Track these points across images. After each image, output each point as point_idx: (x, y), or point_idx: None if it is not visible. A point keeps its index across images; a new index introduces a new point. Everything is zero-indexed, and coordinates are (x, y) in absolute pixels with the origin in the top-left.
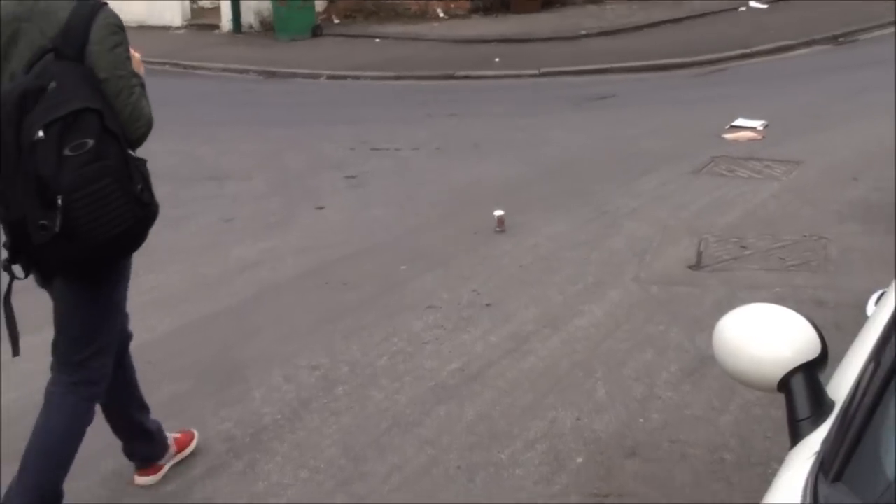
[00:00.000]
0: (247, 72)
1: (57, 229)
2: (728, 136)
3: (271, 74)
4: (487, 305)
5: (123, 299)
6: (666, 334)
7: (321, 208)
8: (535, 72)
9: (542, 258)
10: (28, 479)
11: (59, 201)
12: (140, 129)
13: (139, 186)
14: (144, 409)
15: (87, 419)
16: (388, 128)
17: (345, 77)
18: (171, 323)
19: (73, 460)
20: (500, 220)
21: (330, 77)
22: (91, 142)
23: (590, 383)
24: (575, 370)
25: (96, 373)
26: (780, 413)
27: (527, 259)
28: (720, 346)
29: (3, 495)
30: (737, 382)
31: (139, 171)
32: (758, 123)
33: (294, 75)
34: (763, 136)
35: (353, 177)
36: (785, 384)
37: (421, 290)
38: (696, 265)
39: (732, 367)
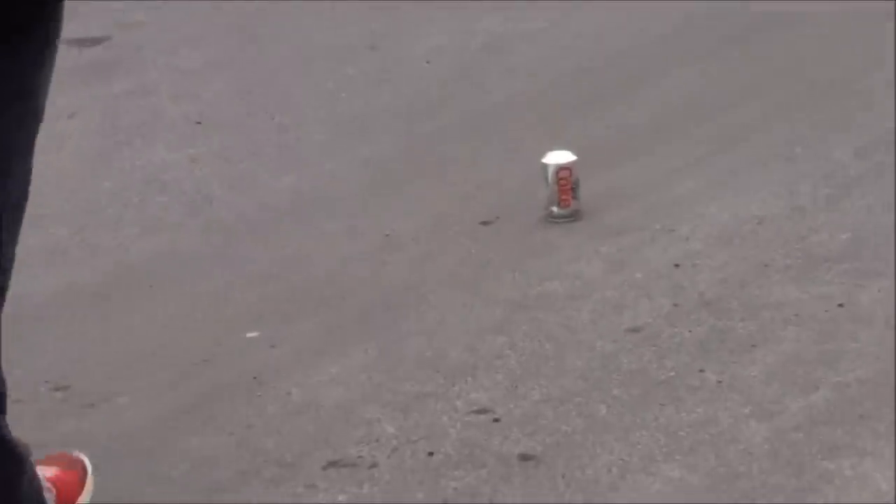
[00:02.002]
0: None
1: None
2: None
3: None
4: (525, 460)
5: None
6: None
7: None
8: None
9: (722, 313)
10: None
11: None
12: None
13: None
14: None
15: None
16: None
17: None
18: None
19: None
20: (564, 179)
21: None
22: None
23: None
24: None
25: None
26: None
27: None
28: None
29: None
30: None
31: None
32: None
33: None
34: None
35: (94, 41)
36: None
37: (312, 411)
38: None
39: None
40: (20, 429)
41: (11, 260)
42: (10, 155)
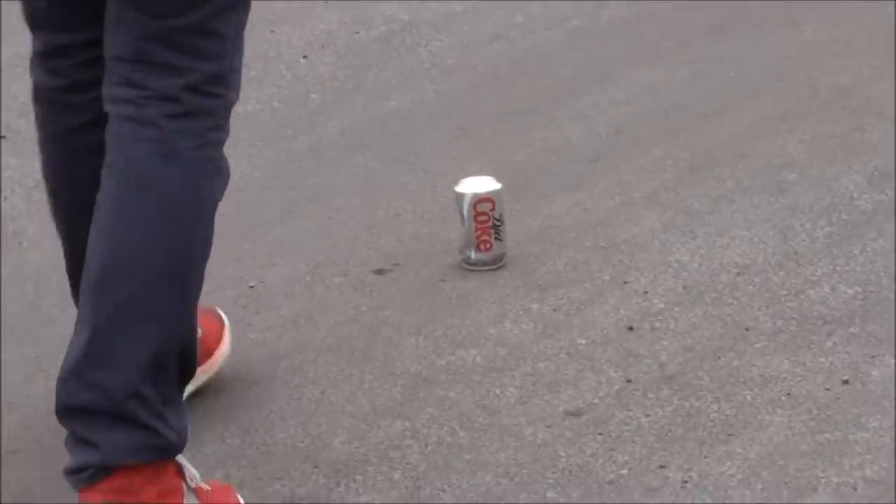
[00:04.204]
0: None
1: None
2: None
3: None
4: None
5: None
6: None
7: None
8: None
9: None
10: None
11: None
12: None
13: None
14: None
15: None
16: None
17: None
18: None
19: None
20: (484, 214)
21: None
22: None
23: None
24: None
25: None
26: None
27: None
28: None
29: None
30: None
31: None
32: None
33: None
34: None
35: None
36: None
37: None
38: None
39: None
40: None
41: None
42: None
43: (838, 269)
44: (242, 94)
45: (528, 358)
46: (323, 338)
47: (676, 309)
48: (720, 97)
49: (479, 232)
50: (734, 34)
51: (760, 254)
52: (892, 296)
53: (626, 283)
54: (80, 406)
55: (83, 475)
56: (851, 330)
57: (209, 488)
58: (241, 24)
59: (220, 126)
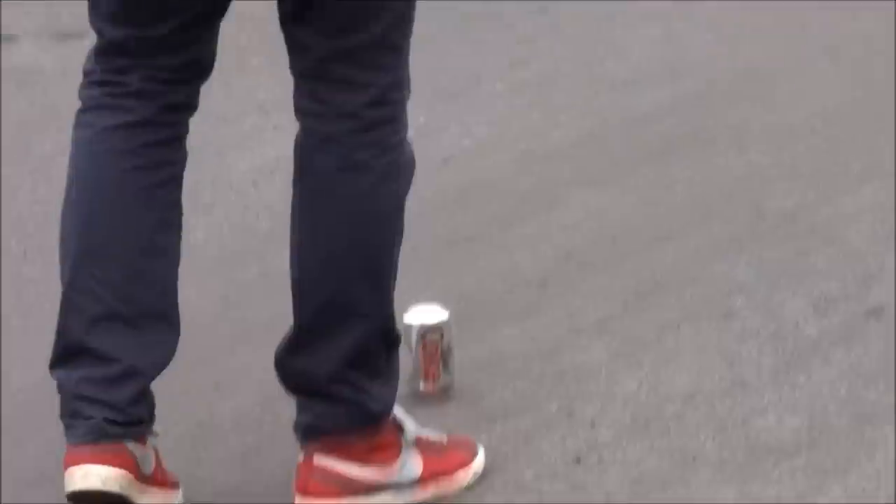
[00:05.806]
0: None
1: None
2: None
3: None
4: None
5: None
6: None
7: None
8: None
9: None
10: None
11: None
12: None
13: None
14: None
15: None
16: None
17: None
18: None
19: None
20: (433, 344)
21: None
22: None
23: None
24: None
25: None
26: None
27: None
28: None
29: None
30: None
31: None
32: None
33: None
34: None
35: None
36: None
37: None
38: None
39: None
40: None
41: None
42: None
43: (784, 398)
44: (191, 221)
45: (476, 491)
46: (272, 472)
47: (624, 440)
48: (667, 221)
49: (426, 363)
50: (681, 156)
51: (707, 382)
52: (839, 425)
53: (571, 414)
54: (290, 388)
55: (299, 433)
56: (797, 461)
57: (438, 441)
58: (411, 32)
59: (398, 129)
